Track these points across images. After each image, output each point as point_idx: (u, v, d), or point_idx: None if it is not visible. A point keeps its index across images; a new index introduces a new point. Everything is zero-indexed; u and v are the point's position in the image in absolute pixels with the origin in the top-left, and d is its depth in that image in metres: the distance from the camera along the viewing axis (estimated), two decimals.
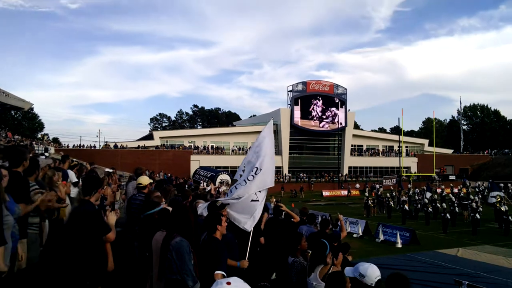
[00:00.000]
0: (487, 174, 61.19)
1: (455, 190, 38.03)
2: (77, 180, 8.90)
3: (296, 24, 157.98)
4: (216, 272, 3.73)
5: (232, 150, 58.13)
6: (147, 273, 4.28)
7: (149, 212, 4.47)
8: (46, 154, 27.73)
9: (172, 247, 3.55)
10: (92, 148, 52.63)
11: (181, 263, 3.49)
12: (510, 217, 21.88)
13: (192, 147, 56.17)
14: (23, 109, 51.09)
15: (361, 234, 22.05)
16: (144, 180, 6.04)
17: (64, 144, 55.42)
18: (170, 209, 4.42)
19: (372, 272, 3.39)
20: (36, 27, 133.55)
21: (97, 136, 69.92)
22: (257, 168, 5.47)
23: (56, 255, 3.54)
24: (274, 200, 30.39)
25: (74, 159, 16.35)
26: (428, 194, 30.46)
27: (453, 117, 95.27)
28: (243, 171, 5.82)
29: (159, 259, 3.67)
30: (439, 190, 39.50)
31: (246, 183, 5.37)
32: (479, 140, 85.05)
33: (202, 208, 5.32)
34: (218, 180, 41.45)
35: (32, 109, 63.11)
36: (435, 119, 64.68)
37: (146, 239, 4.45)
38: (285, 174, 57.35)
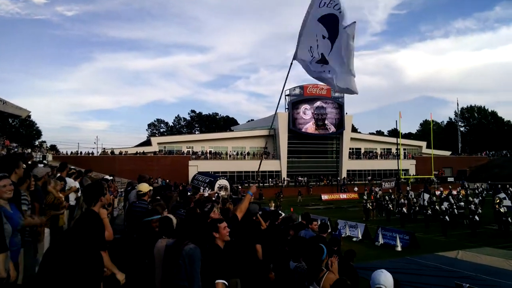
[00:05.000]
0: (485, 175, 61.34)
1: (454, 192, 38.05)
2: (79, 187, 8.90)
3: (292, 28, 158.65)
4: (217, 281, 3.71)
5: (230, 155, 58.10)
6: (147, 280, 4.25)
7: (147, 219, 4.45)
8: (45, 161, 27.66)
9: (185, 253, 3.53)
10: (90, 155, 52.55)
11: (191, 270, 3.49)
12: (509, 219, 21.89)
13: (190, 153, 56.12)
14: (20, 117, 50.92)
15: (360, 237, 22.00)
16: (144, 187, 6.00)
17: (62, 152, 55.30)
18: (172, 217, 4.40)
19: (387, 280, 3.42)
20: (33, 34, 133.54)
21: (94, 142, 70.03)
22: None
23: (58, 264, 3.51)
24: (273, 204, 30.34)
25: (73, 167, 16.32)
26: (426, 196, 30.46)
27: (450, 119, 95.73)
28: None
29: (167, 264, 3.65)
30: (438, 192, 39.48)
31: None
32: (477, 142, 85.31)
33: None
34: (217, 185, 41.37)
35: (29, 116, 62.97)
36: (433, 121, 64.85)
37: (145, 246, 4.43)
38: (284, 178, 57.34)
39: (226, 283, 3.73)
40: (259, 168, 40.26)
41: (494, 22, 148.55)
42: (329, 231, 9.26)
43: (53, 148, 62.58)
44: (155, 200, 5.70)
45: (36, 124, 71.43)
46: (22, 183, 4.89)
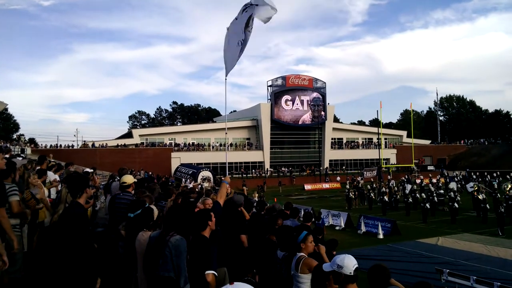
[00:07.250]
0: (464, 163, 62.55)
1: (434, 180, 38.76)
2: (59, 180, 8.74)
3: (274, 18, 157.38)
4: (207, 272, 3.69)
5: (213, 147, 57.91)
6: (131, 273, 4.21)
7: (138, 212, 4.39)
8: (23, 155, 27.07)
9: (171, 244, 3.49)
10: (70, 147, 51.71)
11: (178, 261, 3.45)
12: (487, 205, 22.40)
13: (173, 144, 55.71)
14: None
15: (343, 226, 22.27)
16: (128, 179, 5.92)
17: (41, 145, 54.21)
18: (154, 208, 4.36)
19: (348, 261, 3.38)
20: (8, 25, 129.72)
21: (74, 135, 68.80)
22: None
23: (49, 258, 3.45)
24: (257, 195, 30.40)
25: (52, 160, 16.04)
26: (409, 186, 30.94)
27: (430, 108, 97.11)
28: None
29: (152, 255, 3.60)
30: (418, 181, 40.16)
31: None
32: (456, 131, 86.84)
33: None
34: (200, 176, 41.34)
35: (6, 109, 61.49)
36: (413, 110, 65.73)
37: (132, 239, 4.37)
38: (267, 168, 57.46)
39: (216, 273, 3.72)
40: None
41: (471, 12, 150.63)
42: (312, 220, 9.34)
43: (32, 141, 61.33)
44: (141, 191, 5.63)
45: (13, 117, 69.78)
46: (6, 176, 4.77)
